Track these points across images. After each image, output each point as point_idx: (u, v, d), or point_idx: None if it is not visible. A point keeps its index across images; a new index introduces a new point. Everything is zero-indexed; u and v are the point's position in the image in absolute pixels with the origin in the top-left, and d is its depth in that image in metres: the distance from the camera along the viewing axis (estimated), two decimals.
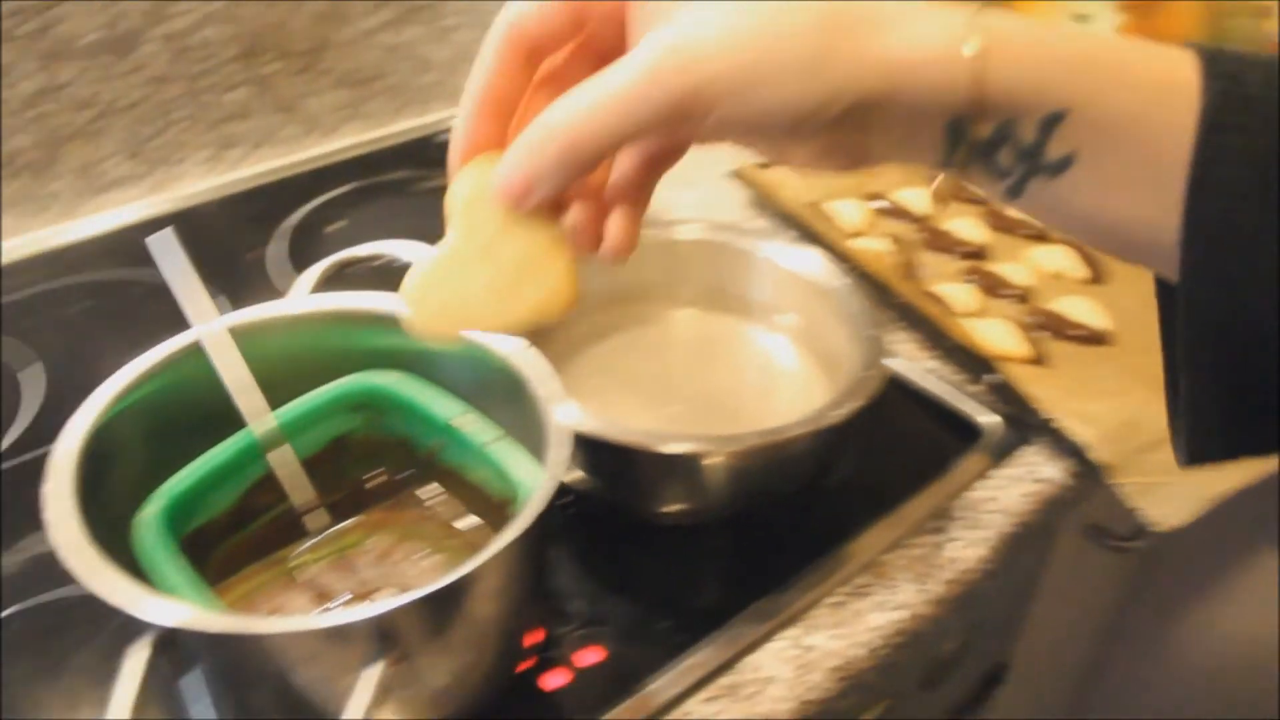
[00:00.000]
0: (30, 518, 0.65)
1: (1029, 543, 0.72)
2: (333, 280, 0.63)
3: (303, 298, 0.59)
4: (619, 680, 0.57)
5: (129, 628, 0.44)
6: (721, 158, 1.07)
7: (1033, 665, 0.98)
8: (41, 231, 0.94)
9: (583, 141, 0.36)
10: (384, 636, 0.44)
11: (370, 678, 0.43)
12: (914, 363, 0.79)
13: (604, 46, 0.40)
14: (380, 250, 0.61)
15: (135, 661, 0.43)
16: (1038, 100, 0.36)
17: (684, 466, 0.61)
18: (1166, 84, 0.36)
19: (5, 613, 0.60)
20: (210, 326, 0.55)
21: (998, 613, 0.87)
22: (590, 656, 0.58)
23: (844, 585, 0.63)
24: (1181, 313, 0.36)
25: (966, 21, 0.36)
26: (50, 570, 0.61)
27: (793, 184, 0.95)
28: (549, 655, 0.58)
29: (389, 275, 0.62)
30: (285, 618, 0.51)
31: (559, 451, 0.50)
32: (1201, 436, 0.38)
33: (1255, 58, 0.36)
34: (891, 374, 0.75)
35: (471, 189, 0.39)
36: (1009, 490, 0.70)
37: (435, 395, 0.57)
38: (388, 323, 0.58)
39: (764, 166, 0.97)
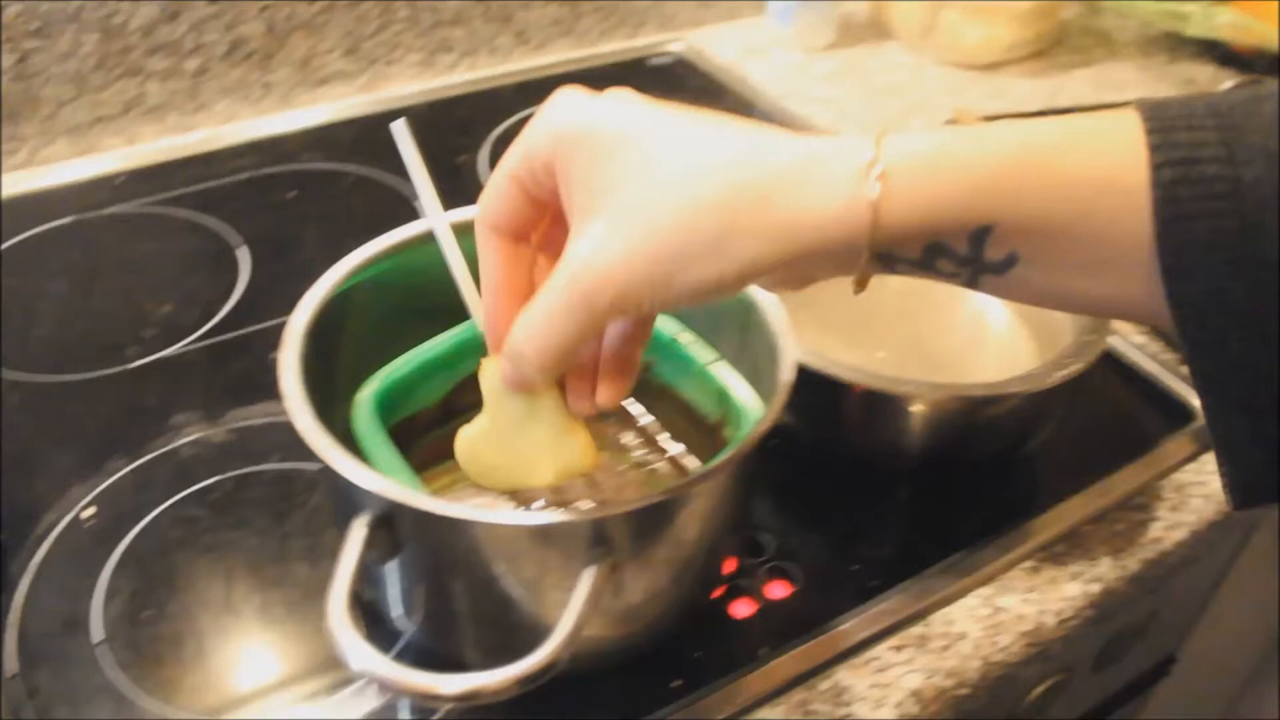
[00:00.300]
0: (232, 393, 0.68)
1: (1228, 533, 0.69)
2: None
3: None
4: (806, 617, 0.56)
5: (345, 504, 0.46)
6: (941, 105, 1.04)
7: (1199, 662, 0.95)
8: (255, 120, 0.97)
9: (543, 355, 0.40)
10: (600, 542, 0.44)
11: (588, 579, 0.43)
12: (1123, 338, 0.76)
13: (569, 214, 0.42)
14: None
15: (356, 535, 0.44)
16: (957, 221, 0.35)
17: (894, 409, 0.60)
18: (1102, 181, 0.33)
19: (215, 479, 0.63)
20: (445, 217, 0.55)
21: (1180, 602, 0.84)
22: (779, 590, 0.58)
23: (1041, 551, 0.62)
24: (1196, 383, 0.34)
25: (865, 166, 0.35)
26: (256, 443, 0.65)
27: None
28: (739, 584, 0.58)
29: None
30: (510, 511, 0.52)
31: (786, 378, 0.49)
32: (1245, 485, 0.36)
33: (1206, 117, 0.32)
34: (1107, 345, 0.73)
35: (496, 374, 0.44)
36: (1218, 477, 0.67)
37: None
38: None
39: (990, 119, 0.94)
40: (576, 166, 0.38)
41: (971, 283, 0.37)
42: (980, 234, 0.35)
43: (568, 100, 0.39)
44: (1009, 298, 0.38)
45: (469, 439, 0.47)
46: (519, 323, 0.40)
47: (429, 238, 0.56)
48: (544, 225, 0.43)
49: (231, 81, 0.94)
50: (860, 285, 0.38)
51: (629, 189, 0.37)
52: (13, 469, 0.63)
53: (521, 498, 0.55)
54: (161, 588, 0.57)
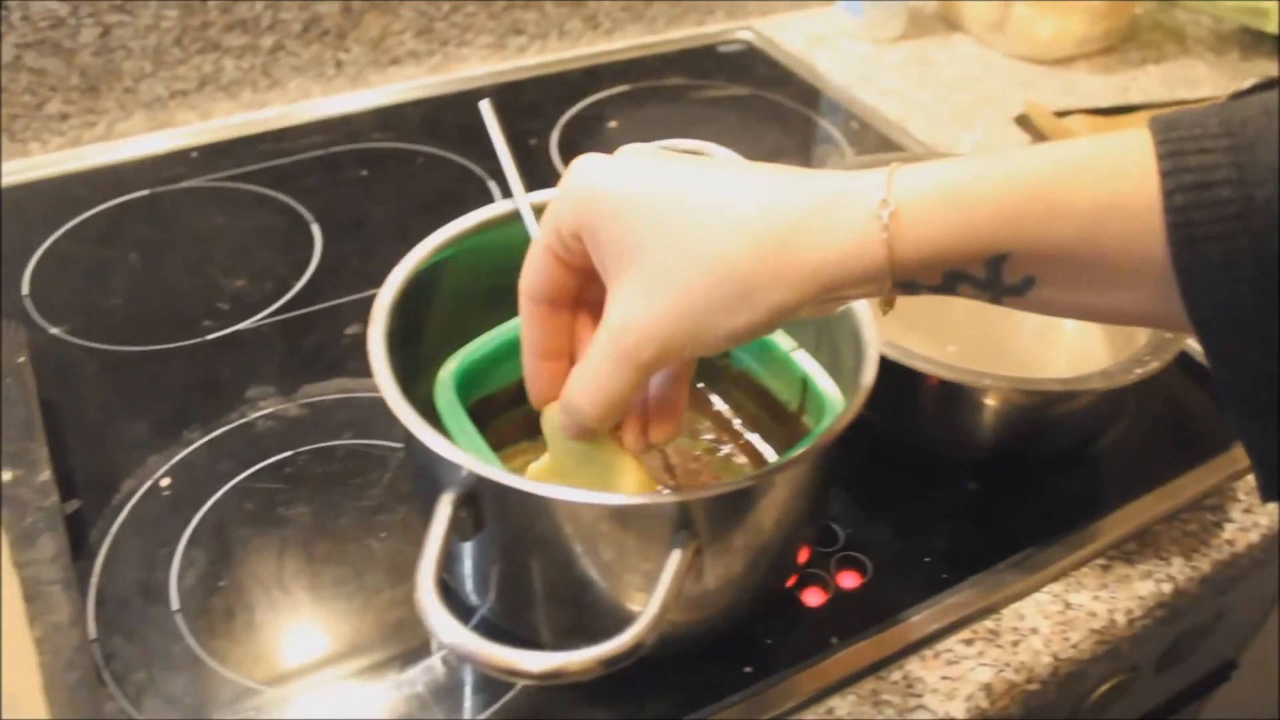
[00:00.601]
0: (305, 369, 0.69)
1: None
2: None
3: None
4: (877, 607, 0.56)
5: (431, 481, 0.46)
6: (1010, 99, 1.04)
7: (1259, 669, 0.94)
8: (326, 99, 0.98)
9: (596, 408, 0.42)
10: (684, 525, 0.44)
11: (674, 562, 0.43)
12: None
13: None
14: (701, 147, 0.61)
15: (443, 511, 0.44)
16: (972, 252, 0.35)
17: (970, 402, 0.59)
18: (1114, 206, 0.33)
19: (288, 454, 0.64)
20: (529, 197, 0.56)
21: (1244, 608, 0.83)
22: (850, 580, 0.58)
23: (1112, 549, 0.61)
24: (1220, 391, 0.34)
25: (877, 206, 0.36)
26: (329, 419, 0.65)
27: (1083, 132, 0.91)
28: (811, 572, 0.58)
29: None
30: (594, 492, 0.52)
31: (870, 368, 0.49)
32: (1274, 480, 0.36)
33: (1219, 137, 0.32)
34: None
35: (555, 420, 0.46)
36: None
37: None
38: None
39: (1061, 114, 0.93)
40: (602, 231, 0.40)
41: (995, 302, 0.37)
42: (996, 262, 0.35)
43: (585, 168, 0.41)
44: (1034, 312, 0.38)
45: (536, 475, 0.50)
46: (572, 380, 0.43)
47: (512, 217, 0.57)
48: (583, 289, 0.45)
49: (305, 60, 0.95)
50: (887, 306, 0.40)
51: (654, 250, 0.38)
52: (90, 437, 0.64)
53: None
54: (236, 559, 0.57)
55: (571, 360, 0.46)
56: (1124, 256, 0.34)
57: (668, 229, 0.38)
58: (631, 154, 0.41)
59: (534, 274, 0.44)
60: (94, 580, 0.56)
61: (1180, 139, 0.33)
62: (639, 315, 0.39)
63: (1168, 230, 0.32)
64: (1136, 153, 0.33)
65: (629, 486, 0.46)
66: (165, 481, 0.61)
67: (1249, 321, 0.32)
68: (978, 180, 0.35)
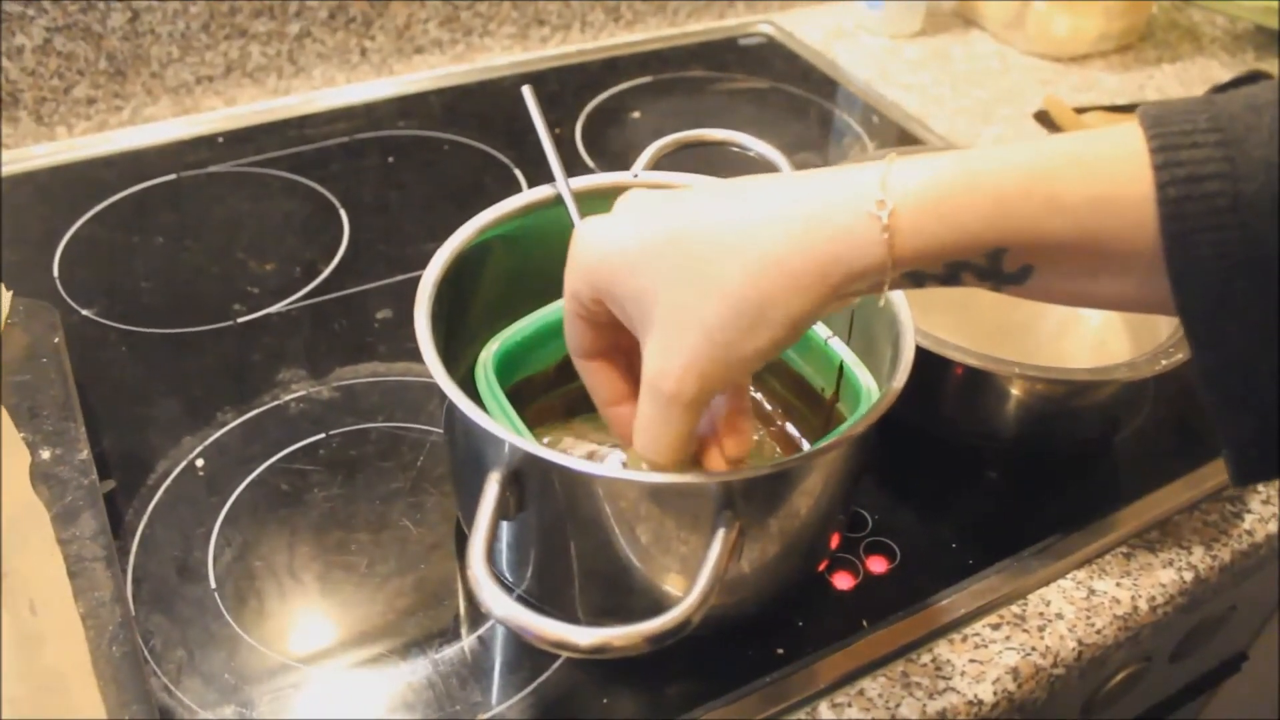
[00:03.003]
0: (336, 352, 0.70)
1: None
2: (664, 161, 0.64)
3: (652, 172, 0.60)
4: (906, 592, 0.57)
5: (476, 460, 0.47)
6: (1028, 95, 1.04)
7: (1269, 662, 0.95)
8: (350, 86, 0.98)
9: (663, 454, 0.43)
10: (727, 505, 0.45)
11: (719, 541, 0.44)
12: None
13: None
14: (733, 138, 0.62)
15: (491, 489, 0.45)
16: (971, 246, 0.37)
17: (997, 390, 0.60)
18: (1108, 199, 0.35)
19: (322, 436, 0.64)
20: (572, 182, 0.56)
21: (1257, 599, 0.84)
22: (879, 564, 0.59)
23: (1135, 537, 0.62)
24: (1198, 378, 0.36)
25: (874, 209, 0.37)
26: (361, 402, 0.66)
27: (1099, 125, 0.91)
28: (841, 556, 0.59)
29: (721, 159, 0.63)
30: (639, 471, 0.53)
31: (908, 355, 0.50)
32: (1243, 462, 0.38)
33: (1209, 132, 0.34)
34: None
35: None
36: None
37: None
38: None
39: (1079, 111, 0.94)
40: (617, 290, 0.42)
41: (996, 289, 0.39)
42: (995, 254, 0.37)
43: (586, 237, 0.43)
44: (1032, 299, 0.40)
45: None
46: (635, 435, 0.44)
47: (554, 201, 0.57)
48: (622, 337, 0.46)
49: (330, 47, 0.96)
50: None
51: (667, 296, 0.40)
52: (123, 418, 0.65)
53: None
54: (272, 539, 0.58)
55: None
56: (1118, 247, 0.35)
57: (675, 274, 0.40)
58: (626, 210, 0.43)
59: (574, 338, 0.47)
60: (131, 559, 0.57)
61: (1171, 134, 0.34)
62: (670, 362, 0.41)
63: (1161, 223, 0.34)
64: (1129, 147, 0.35)
65: None
66: (200, 462, 0.62)
67: (1234, 311, 0.34)
68: (973, 176, 0.36)
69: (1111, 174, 0.35)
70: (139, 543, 0.58)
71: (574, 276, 0.44)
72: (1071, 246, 0.36)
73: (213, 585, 0.56)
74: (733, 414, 0.47)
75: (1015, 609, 0.58)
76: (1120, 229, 0.35)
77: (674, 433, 0.43)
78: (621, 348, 0.47)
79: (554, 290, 0.57)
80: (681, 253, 0.40)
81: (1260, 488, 0.66)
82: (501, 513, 0.46)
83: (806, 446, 0.58)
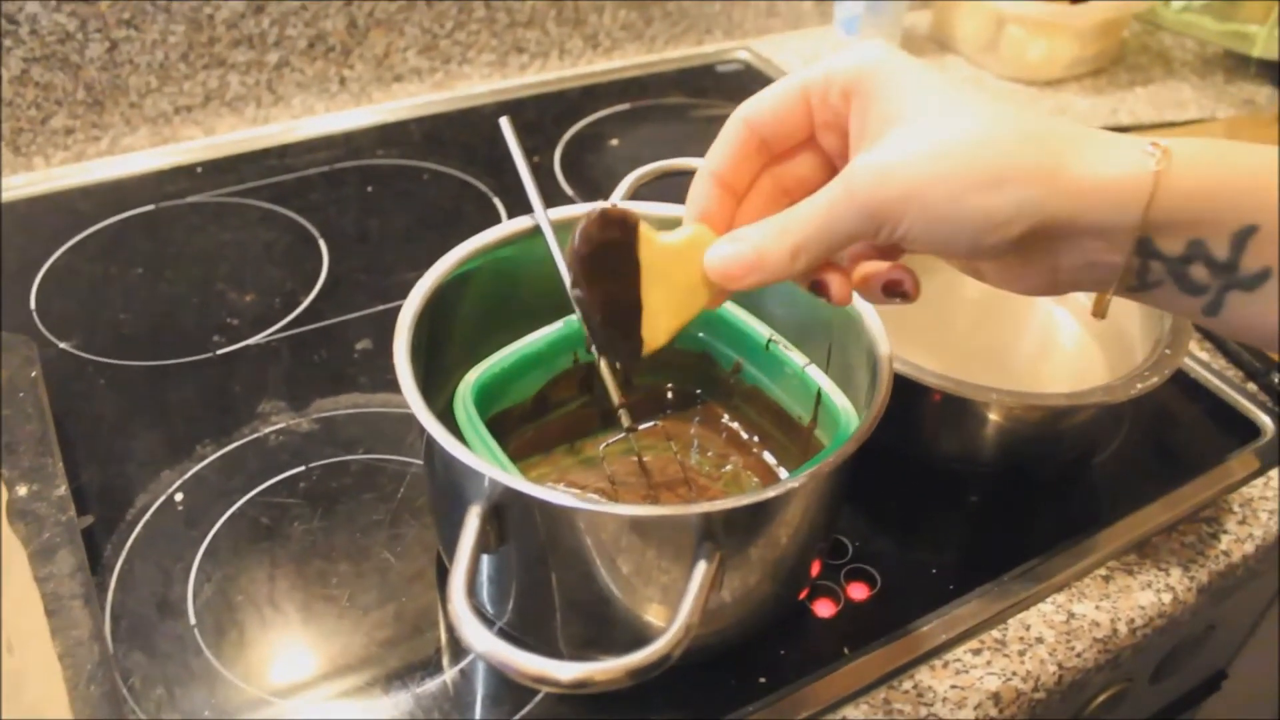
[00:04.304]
0: (316, 384, 0.69)
1: None
2: (642, 190, 0.64)
3: (629, 203, 0.60)
4: (887, 618, 0.57)
5: (457, 494, 0.47)
6: None
7: (1250, 678, 0.95)
8: (329, 115, 0.98)
9: (781, 261, 0.42)
10: (708, 536, 0.45)
11: (700, 573, 0.44)
12: (1191, 355, 0.77)
13: (830, 147, 0.44)
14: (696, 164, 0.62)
15: (472, 524, 0.45)
16: (1227, 213, 0.36)
17: (975, 415, 0.61)
18: None
19: (302, 468, 0.64)
20: (550, 213, 0.56)
21: (1235, 618, 0.85)
22: (860, 591, 0.59)
23: (1113, 559, 0.62)
24: None
25: (1148, 145, 0.37)
26: (341, 434, 0.66)
27: None
28: (822, 584, 0.59)
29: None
30: (620, 504, 0.53)
31: (886, 382, 0.50)
32: None
33: None
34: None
35: (684, 241, 0.45)
36: None
37: (746, 314, 0.58)
38: None
39: None
40: (879, 93, 0.40)
41: (1215, 305, 0.38)
42: (1243, 235, 0.36)
43: (875, 44, 0.41)
44: (1236, 331, 0.39)
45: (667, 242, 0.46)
46: (792, 211, 0.41)
47: (531, 233, 0.58)
48: (791, 151, 0.45)
49: (309, 76, 0.96)
50: (1100, 308, 0.40)
51: (931, 114, 0.38)
52: (101, 452, 0.65)
53: (611, 492, 0.56)
54: (252, 574, 0.58)
55: (738, 198, 0.45)
56: None
57: (944, 107, 0.38)
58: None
59: (769, 102, 0.44)
60: (109, 596, 0.56)
61: None
62: (890, 157, 0.39)
63: None
64: None
65: (706, 295, 0.45)
66: (179, 496, 0.62)
67: None
68: (1242, 153, 0.36)
69: None
70: (117, 579, 0.57)
71: (842, 62, 0.41)
72: None
73: (192, 621, 0.55)
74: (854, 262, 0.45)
75: (996, 633, 0.58)
76: None
77: (832, 226, 0.40)
78: (775, 156, 0.45)
79: (533, 320, 0.58)
80: (963, 92, 0.39)
81: (1235, 508, 0.67)
82: (482, 546, 0.46)
83: (785, 474, 0.58)
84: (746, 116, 0.44)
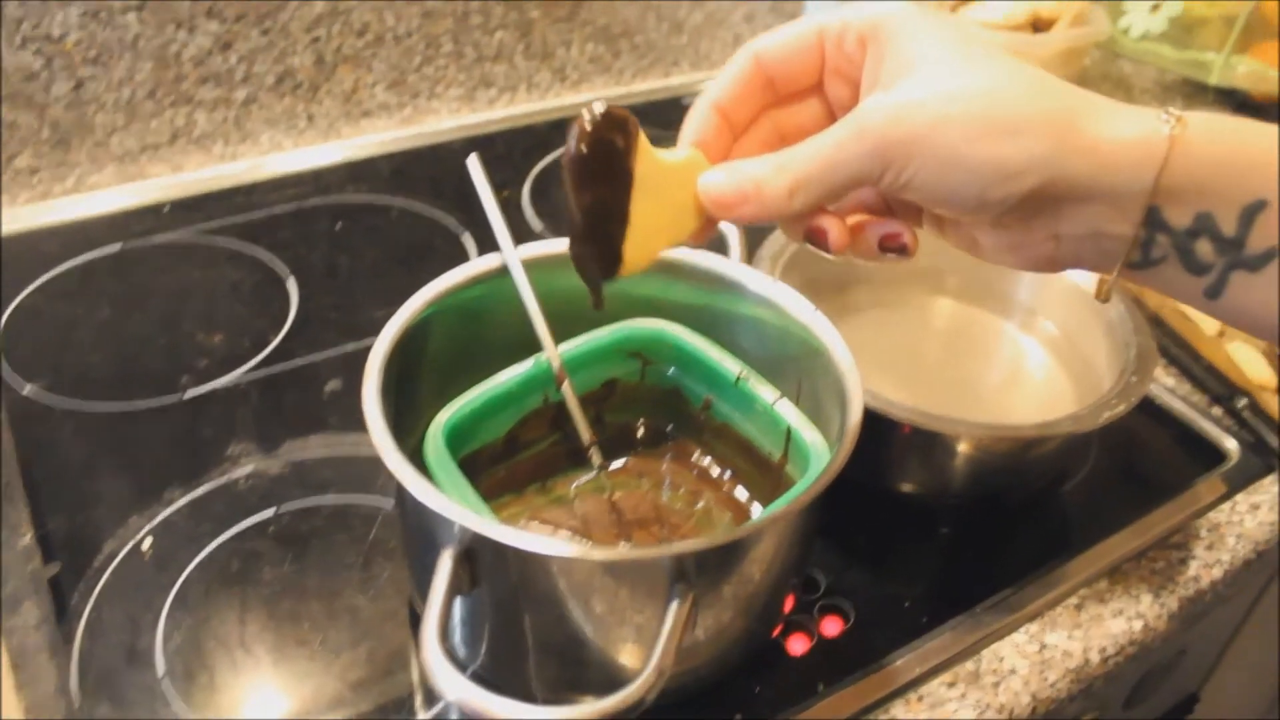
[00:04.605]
0: (286, 425, 0.69)
1: (1257, 573, 0.71)
2: None
3: None
4: (861, 653, 0.58)
5: (429, 538, 0.47)
6: None
7: (1222, 700, 0.96)
8: (297, 151, 0.98)
9: (778, 197, 0.40)
10: (681, 577, 0.45)
11: (673, 615, 0.44)
12: (1157, 381, 0.78)
13: (837, 96, 0.44)
14: None
15: (444, 568, 0.45)
16: (1237, 186, 0.36)
17: (944, 447, 0.61)
18: None
19: (272, 512, 0.64)
20: (519, 252, 0.57)
21: (1206, 641, 0.85)
22: (833, 627, 0.59)
23: (1084, 588, 0.63)
24: None
25: (1166, 110, 0.37)
26: (312, 476, 0.65)
27: None
28: (795, 620, 0.59)
29: None
30: (593, 546, 0.53)
31: (856, 417, 0.50)
32: None
33: None
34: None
35: (681, 161, 0.43)
36: (1251, 518, 0.69)
37: (716, 349, 0.59)
38: (673, 272, 0.59)
39: None
40: (895, 40, 0.39)
41: (1217, 287, 0.38)
42: (1252, 210, 0.36)
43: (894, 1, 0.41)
44: (1237, 318, 0.39)
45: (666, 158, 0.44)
46: (798, 148, 0.40)
47: (499, 272, 0.58)
48: (798, 95, 0.44)
49: (277, 113, 0.96)
50: (1103, 290, 0.40)
51: (947, 62, 0.38)
52: (68, 498, 0.64)
53: (583, 532, 0.56)
54: (223, 621, 0.57)
55: (736, 135, 0.44)
56: None
57: (961, 57, 0.38)
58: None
59: (782, 40, 0.43)
60: (76, 646, 0.55)
61: None
62: (901, 98, 0.38)
63: None
64: None
65: (694, 222, 0.44)
66: (147, 543, 0.61)
67: None
68: (1255, 129, 0.36)
69: None
70: (85, 628, 0.56)
71: (860, 12, 0.41)
72: None
73: (161, 671, 0.55)
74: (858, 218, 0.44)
75: (970, 665, 0.58)
76: None
77: (837, 162, 0.39)
78: (781, 97, 0.44)
79: (502, 359, 0.58)
80: (981, 45, 0.38)
81: (1203, 533, 0.67)
82: (455, 591, 0.46)
83: (757, 510, 0.58)
84: (758, 51, 0.43)
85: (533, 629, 0.49)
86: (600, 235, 0.42)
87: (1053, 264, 0.41)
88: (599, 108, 0.40)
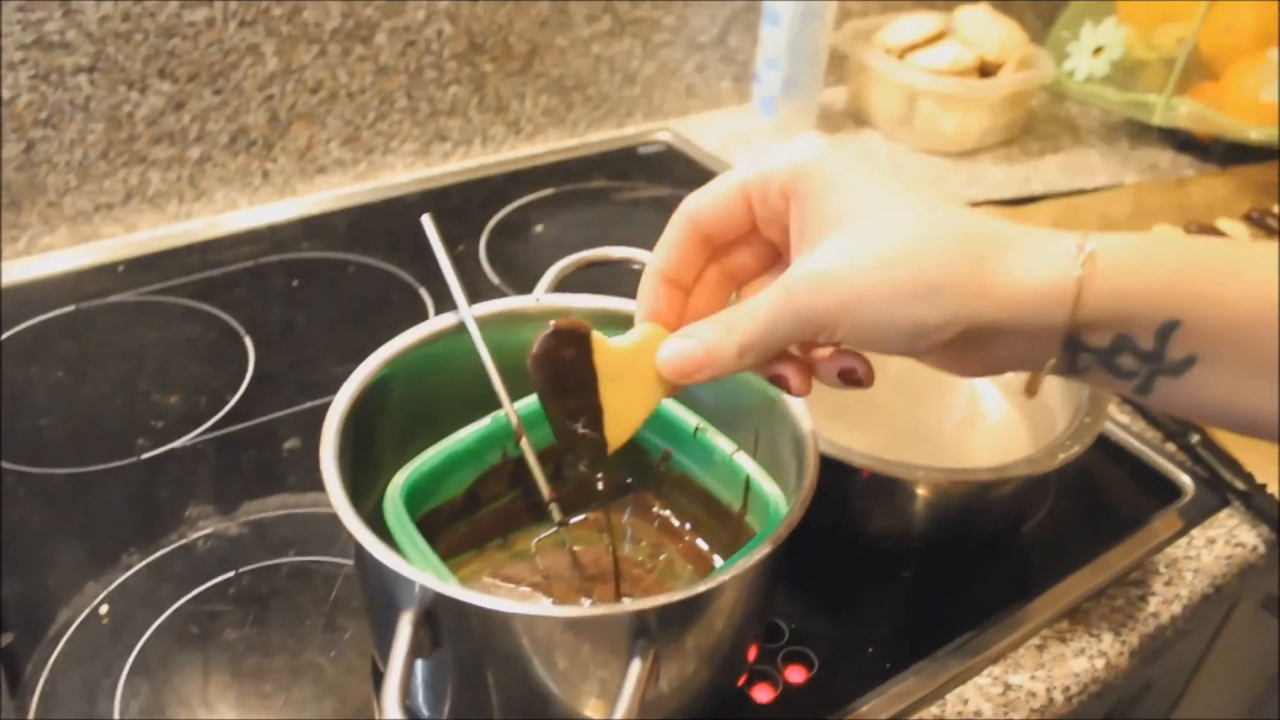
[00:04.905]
0: (244, 486, 0.68)
1: (1216, 606, 0.71)
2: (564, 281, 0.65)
3: (553, 295, 0.61)
4: (825, 700, 0.57)
5: (389, 600, 0.46)
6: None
7: None
8: (253, 209, 0.98)
9: (729, 359, 0.43)
10: (642, 633, 0.45)
11: (635, 672, 0.44)
12: (1110, 418, 0.79)
13: (772, 238, 0.45)
14: (635, 255, 0.63)
15: (404, 630, 0.45)
16: (1149, 311, 0.38)
17: (902, 492, 0.61)
18: None
19: (232, 574, 0.63)
20: (474, 310, 0.57)
21: (1170, 674, 0.86)
22: (797, 674, 0.59)
23: (1046, 628, 0.63)
24: None
25: (1075, 247, 0.38)
26: (271, 537, 0.65)
27: None
28: (759, 669, 0.59)
29: (623, 278, 0.64)
30: (555, 605, 0.53)
31: (813, 468, 0.51)
32: None
33: None
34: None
35: (635, 344, 0.46)
36: (1208, 552, 0.70)
37: (673, 402, 0.59)
38: (629, 327, 0.60)
39: (975, 205, 0.97)
40: (816, 198, 0.41)
41: (1145, 387, 0.39)
42: (1166, 329, 0.37)
43: (810, 140, 0.43)
44: (1169, 409, 0.40)
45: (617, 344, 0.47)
46: (734, 312, 0.44)
47: (455, 330, 0.58)
48: (731, 247, 0.46)
49: (232, 170, 0.96)
50: (1033, 388, 0.42)
51: (860, 223, 0.40)
52: (21, 566, 0.63)
53: (545, 588, 0.56)
54: (183, 687, 0.56)
55: (687, 292, 0.47)
56: None
57: (878, 211, 0.40)
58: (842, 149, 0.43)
59: (711, 200, 0.45)
60: (31, 719, 0.55)
61: None
62: (825, 267, 0.40)
63: None
64: None
65: (663, 390, 0.47)
66: (104, 609, 0.60)
67: None
68: (1166, 248, 0.38)
69: None
70: (39, 700, 0.55)
71: (779, 161, 0.42)
72: (1245, 335, 0.37)
73: None
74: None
75: (934, 709, 0.58)
76: None
77: (769, 331, 0.42)
78: (718, 251, 0.46)
79: (462, 414, 0.58)
80: (899, 197, 0.40)
81: (1161, 568, 0.68)
82: (416, 652, 0.45)
83: (718, 561, 0.58)
84: (690, 214, 0.45)
85: (496, 686, 0.49)
86: (579, 433, 0.47)
87: (991, 372, 0.43)
88: (549, 328, 0.44)
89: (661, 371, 0.45)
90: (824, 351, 0.46)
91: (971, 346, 0.40)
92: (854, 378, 0.45)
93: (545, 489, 0.56)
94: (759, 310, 0.42)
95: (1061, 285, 0.38)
